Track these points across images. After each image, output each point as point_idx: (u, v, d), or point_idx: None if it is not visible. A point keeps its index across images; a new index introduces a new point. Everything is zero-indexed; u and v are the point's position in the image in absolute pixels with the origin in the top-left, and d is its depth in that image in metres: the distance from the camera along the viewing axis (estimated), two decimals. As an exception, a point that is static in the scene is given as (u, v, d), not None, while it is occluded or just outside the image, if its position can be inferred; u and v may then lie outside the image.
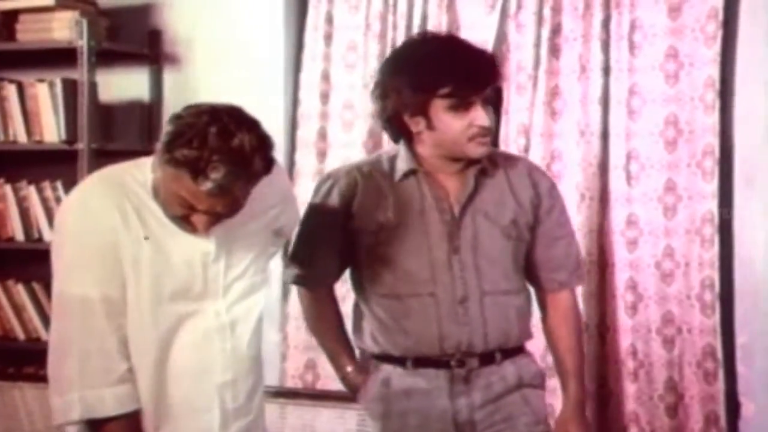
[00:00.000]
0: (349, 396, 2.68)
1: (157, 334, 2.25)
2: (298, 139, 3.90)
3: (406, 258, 2.45)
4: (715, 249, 3.44)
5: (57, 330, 2.26)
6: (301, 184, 3.81)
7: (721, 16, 3.42)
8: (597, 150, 3.58)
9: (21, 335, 4.01)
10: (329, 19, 3.86)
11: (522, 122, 3.63)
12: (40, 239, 3.94)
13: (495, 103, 2.46)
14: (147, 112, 4.02)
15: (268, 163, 2.15)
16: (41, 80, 3.93)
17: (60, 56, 3.85)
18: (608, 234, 3.58)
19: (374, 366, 2.54)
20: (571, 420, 2.54)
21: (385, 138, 3.72)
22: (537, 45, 3.62)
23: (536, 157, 3.52)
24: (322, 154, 3.86)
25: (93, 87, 3.83)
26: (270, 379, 3.40)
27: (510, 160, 2.59)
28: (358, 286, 2.56)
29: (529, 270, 2.56)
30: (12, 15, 3.92)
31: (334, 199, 2.50)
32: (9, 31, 3.93)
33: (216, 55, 3.95)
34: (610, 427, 3.57)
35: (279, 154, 2.52)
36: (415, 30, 3.71)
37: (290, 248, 2.61)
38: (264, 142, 2.13)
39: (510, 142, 3.62)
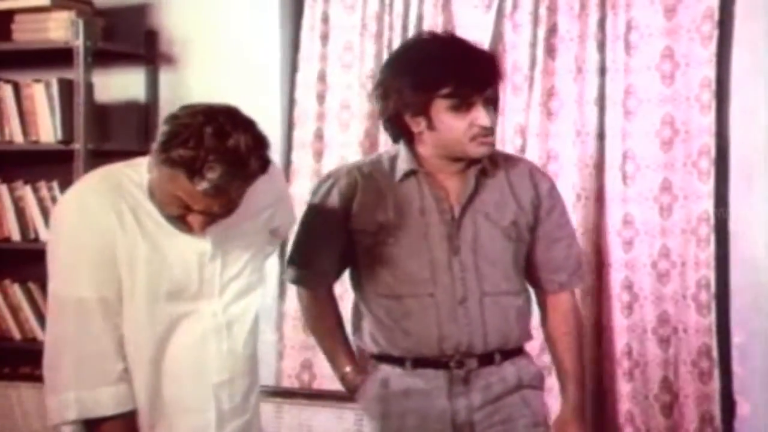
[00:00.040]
0: (345, 396, 2.67)
1: (153, 334, 2.25)
2: (295, 140, 3.90)
3: (406, 258, 2.44)
4: (711, 249, 3.44)
5: (53, 330, 2.26)
6: (298, 184, 3.82)
7: (716, 16, 3.43)
8: (593, 150, 3.58)
9: (17, 335, 4.01)
10: (325, 19, 3.86)
11: (518, 122, 3.64)
12: (36, 239, 3.94)
13: (493, 103, 2.45)
14: (143, 113, 4.02)
15: (264, 163, 2.15)
16: (37, 80, 3.93)
17: (56, 56, 3.85)
18: (604, 234, 3.58)
19: (373, 366, 2.54)
20: (570, 422, 2.53)
21: (382, 138, 3.75)
22: (533, 45, 3.62)
23: (532, 157, 3.52)
24: (318, 154, 3.87)
25: (89, 87, 3.83)
26: (266, 378, 3.40)
27: (510, 160, 2.58)
28: (358, 286, 2.55)
29: (529, 271, 2.56)
30: (8, 15, 3.92)
31: (334, 199, 2.49)
32: (5, 31, 3.93)
33: (212, 56, 3.95)
34: (605, 427, 3.57)
35: (275, 154, 2.53)
36: (411, 30, 3.72)
37: (290, 248, 2.61)
38: (260, 142, 2.13)
39: (506, 143, 3.62)
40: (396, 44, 3.73)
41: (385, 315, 2.48)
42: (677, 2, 3.48)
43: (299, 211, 2.59)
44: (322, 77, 3.87)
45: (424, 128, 2.41)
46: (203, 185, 2.08)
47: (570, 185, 3.55)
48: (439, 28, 3.61)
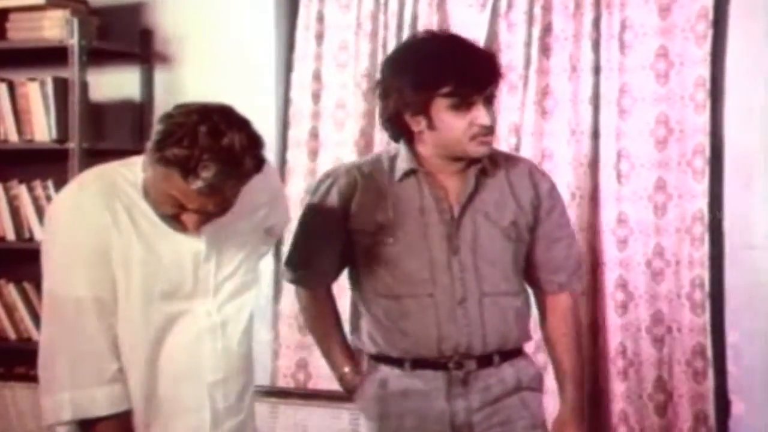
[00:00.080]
0: (341, 395, 2.67)
1: (148, 334, 2.25)
2: (290, 139, 3.90)
3: (405, 258, 2.43)
4: (705, 248, 3.44)
5: (48, 330, 2.26)
6: (293, 183, 3.82)
7: (711, 16, 3.43)
8: (587, 149, 3.59)
9: (12, 335, 4.01)
10: (320, 19, 3.86)
11: (513, 121, 3.64)
12: (30, 239, 3.94)
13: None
14: (138, 112, 4.02)
15: (259, 162, 2.15)
16: (32, 79, 3.92)
17: (51, 55, 3.84)
18: (598, 232, 3.59)
19: (371, 366, 2.53)
20: (569, 423, 2.53)
21: (377, 137, 3.75)
22: (528, 44, 3.62)
23: (527, 156, 3.50)
24: (313, 153, 3.87)
25: (84, 86, 3.82)
26: (261, 378, 3.40)
27: (510, 160, 2.57)
28: (357, 285, 2.54)
29: (529, 271, 2.55)
30: (3, 14, 3.92)
31: (333, 198, 2.48)
32: (0, 29, 3.92)
33: (207, 55, 3.94)
34: (599, 427, 3.57)
35: (270, 153, 2.52)
36: (406, 29, 3.72)
37: (288, 247, 2.60)
38: (254, 141, 2.13)
39: (501, 141, 3.62)
40: (391, 43, 3.73)
41: (384, 315, 2.47)
42: (672, 1, 3.48)
43: (294, 210, 2.59)
44: (317, 76, 3.87)
45: (424, 127, 2.40)
46: (198, 184, 2.08)
47: (564, 184, 3.55)
48: (433, 27, 3.61)
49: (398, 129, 2.46)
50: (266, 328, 3.80)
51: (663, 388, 3.51)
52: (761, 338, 3.41)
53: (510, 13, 3.65)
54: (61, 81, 3.86)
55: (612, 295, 3.55)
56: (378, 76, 2.54)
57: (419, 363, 2.45)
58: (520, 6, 3.63)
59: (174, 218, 2.20)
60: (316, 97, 3.87)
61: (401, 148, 2.48)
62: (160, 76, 4.03)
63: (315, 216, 2.52)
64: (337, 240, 2.50)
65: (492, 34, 3.67)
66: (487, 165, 2.46)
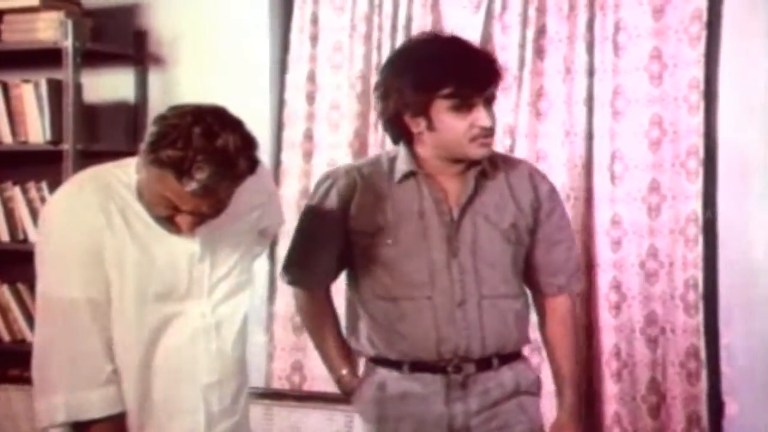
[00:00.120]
0: (336, 397, 2.66)
1: (142, 335, 2.24)
2: (284, 140, 3.89)
3: (404, 260, 2.42)
4: (699, 249, 3.45)
5: (42, 332, 2.25)
6: (288, 184, 3.82)
7: (705, 17, 3.43)
8: (582, 150, 3.59)
9: (6, 337, 4.00)
10: (315, 20, 3.86)
11: (507, 123, 3.64)
12: (25, 240, 3.93)
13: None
14: (132, 113, 4.02)
15: (253, 164, 2.15)
16: (26, 80, 3.92)
17: (45, 57, 3.84)
18: (592, 234, 3.59)
19: (369, 368, 2.52)
20: (567, 426, 2.53)
21: (371, 138, 3.75)
22: (522, 46, 3.63)
23: (521, 157, 3.52)
24: (308, 155, 3.87)
25: (78, 88, 3.82)
26: (256, 380, 3.40)
27: (510, 162, 2.57)
28: (355, 287, 2.53)
29: (528, 274, 2.54)
30: (-3, 15, 3.92)
31: (333, 200, 2.47)
32: (-6, 31, 3.93)
33: (201, 56, 3.94)
34: (592, 428, 3.57)
35: (265, 154, 2.52)
36: (400, 31, 3.73)
37: (287, 248, 2.60)
38: (248, 143, 2.14)
39: (495, 143, 3.61)
40: (385, 45, 3.73)
41: (382, 317, 2.46)
42: (665, 3, 3.49)
43: (289, 211, 2.59)
44: (311, 78, 3.87)
45: (424, 129, 2.40)
46: (192, 185, 2.08)
47: (558, 185, 3.51)
48: (428, 29, 3.62)
49: (398, 130, 2.45)
50: (261, 330, 3.80)
51: (656, 389, 3.51)
52: (755, 340, 3.41)
53: (504, 15, 3.66)
54: (55, 82, 3.85)
55: (606, 297, 3.55)
56: (373, 77, 2.53)
57: (418, 366, 2.44)
58: (515, 8, 3.63)
59: (168, 220, 2.20)
60: (311, 98, 3.87)
61: (401, 150, 2.47)
62: (154, 77, 4.02)
63: (314, 217, 2.51)
64: (336, 241, 2.49)
65: (486, 35, 3.67)
66: (487, 167, 2.46)
